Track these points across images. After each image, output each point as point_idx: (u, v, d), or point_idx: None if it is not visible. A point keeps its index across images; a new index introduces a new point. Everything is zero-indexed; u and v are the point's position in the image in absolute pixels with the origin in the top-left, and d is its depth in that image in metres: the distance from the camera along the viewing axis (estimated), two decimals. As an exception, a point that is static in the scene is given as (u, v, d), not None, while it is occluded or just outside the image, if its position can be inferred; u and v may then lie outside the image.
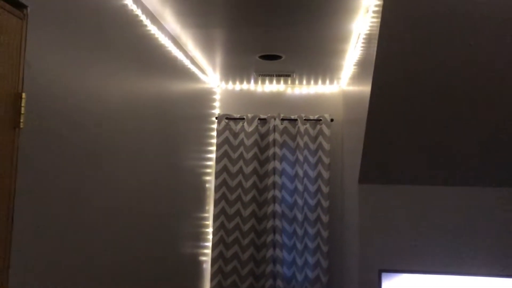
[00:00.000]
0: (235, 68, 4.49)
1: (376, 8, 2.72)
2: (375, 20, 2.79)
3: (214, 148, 4.87)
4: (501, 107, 2.96)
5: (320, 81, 4.83)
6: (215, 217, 4.75)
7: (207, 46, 3.86)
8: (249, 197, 4.73)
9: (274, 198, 4.67)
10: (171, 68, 3.58)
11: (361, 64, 3.40)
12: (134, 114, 2.83)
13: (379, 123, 2.99)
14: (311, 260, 4.62)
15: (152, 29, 3.12)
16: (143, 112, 2.98)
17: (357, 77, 3.73)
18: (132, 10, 2.80)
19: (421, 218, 3.37)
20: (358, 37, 3.42)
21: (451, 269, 3.22)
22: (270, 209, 4.67)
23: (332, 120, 4.79)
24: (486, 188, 3.38)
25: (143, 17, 2.95)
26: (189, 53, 3.98)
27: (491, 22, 2.54)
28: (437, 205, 3.39)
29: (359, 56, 3.53)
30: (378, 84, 2.80)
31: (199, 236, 4.58)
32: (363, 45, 3.30)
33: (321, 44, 3.69)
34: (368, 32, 3.04)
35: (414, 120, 3.00)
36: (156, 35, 3.21)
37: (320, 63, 4.23)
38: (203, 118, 4.67)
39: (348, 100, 4.38)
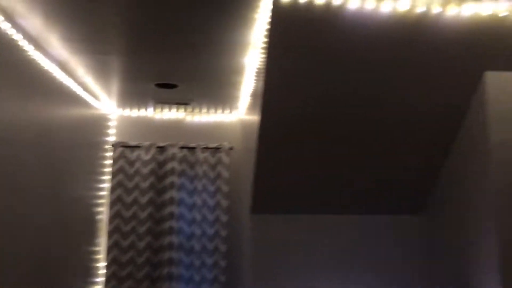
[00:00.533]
0: (131, 95, 4.36)
1: (264, 44, 2.82)
2: (263, 55, 2.89)
3: (108, 177, 4.65)
4: (383, 137, 3.18)
5: (219, 110, 4.86)
6: (108, 250, 4.50)
7: (100, 73, 3.71)
8: (144, 228, 4.55)
9: (171, 229, 4.54)
10: (57, 94, 3.38)
11: (254, 95, 3.48)
12: (10, 142, 2.61)
13: (269, 153, 3.06)
14: (209, 291, 4.53)
15: (35, 54, 2.93)
16: (21, 139, 2.76)
17: (251, 108, 3.81)
18: (10, 35, 2.62)
19: (312, 247, 3.47)
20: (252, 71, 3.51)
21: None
22: (166, 240, 4.53)
23: (231, 148, 4.82)
24: (370, 216, 3.58)
25: (24, 42, 2.77)
26: (79, 79, 3.79)
27: (367, 59, 2.74)
28: (326, 234, 3.52)
29: (252, 88, 3.62)
30: (267, 115, 2.88)
31: (89, 271, 4.29)
32: (255, 77, 3.39)
33: (216, 75, 3.73)
34: (258, 66, 3.13)
35: (302, 151, 3.12)
36: (39, 61, 3.01)
37: (218, 93, 4.27)
38: (96, 145, 4.45)
39: (245, 129, 4.46)
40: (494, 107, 2.91)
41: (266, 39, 2.69)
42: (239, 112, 4.89)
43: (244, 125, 4.56)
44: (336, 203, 3.37)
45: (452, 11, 2.62)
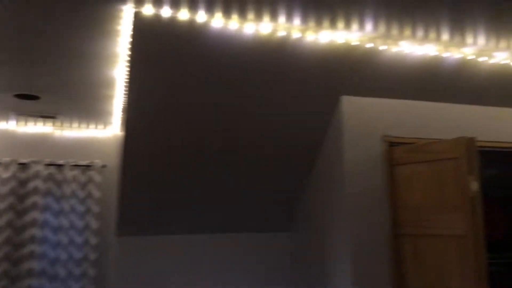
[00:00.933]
0: (-11, 106, 3.94)
1: (128, 58, 2.72)
2: (128, 68, 2.79)
3: (-43, 197, 4.12)
4: (249, 157, 3.23)
5: (91, 125, 4.60)
6: (-46, 281, 3.95)
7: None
8: (1, 253, 4.09)
9: (32, 253, 4.14)
10: None
11: (123, 110, 3.34)
12: None
13: (134, 172, 2.94)
14: (74, 320, 4.19)
15: None
16: None
17: (122, 123, 3.66)
18: None
19: (177, 268, 3.38)
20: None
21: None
22: (26, 266, 4.11)
23: (104, 166, 4.57)
24: (240, 234, 3.61)
25: None
26: None
27: (229, 78, 2.77)
28: (196, 254, 3.46)
29: (122, 102, 3.48)
30: (131, 131, 2.76)
31: None
32: (124, 92, 3.26)
33: (83, 88, 3.52)
34: (125, 79, 3.02)
35: (169, 170, 3.04)
36: None
37: (88, 107, 4.03)
38: None
39: (118, 145, 4.26)
40: (348, 129, 3.12)
41: (129, 52, 2.60)
42: (113, 127, 4.68)
43: (118, 142, 4.36)
44: (205, 223, 3.33)
45: (310, 38, 2.77)
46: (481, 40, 2.95)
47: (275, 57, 2.81)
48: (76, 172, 4.46)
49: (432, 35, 2.86)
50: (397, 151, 3.19)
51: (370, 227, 3.07)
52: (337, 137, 3.18)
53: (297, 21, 2.61)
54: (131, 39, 2.52)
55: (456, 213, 2.84)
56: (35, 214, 4.22)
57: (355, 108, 3.16)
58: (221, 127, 2.95)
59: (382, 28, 2.73)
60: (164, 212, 3.15)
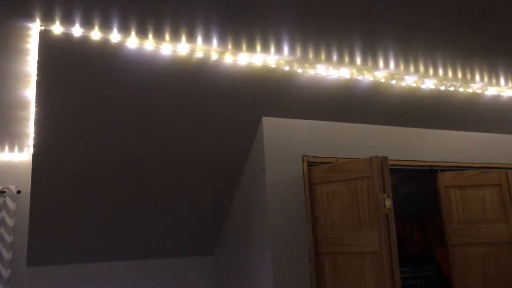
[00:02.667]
0: None
1: (36, 77, 2.60)
2: (36, 88, 2.66)
3: None
4: (169, 182, 3.16)
5: (6, 148, 4.32)
6: None
7: None
8: None
9: None
10: None
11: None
12: None
13: (44, 198, 2.77)
14: None
15: None
16: None
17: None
18: None
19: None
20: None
21: None
22: None
23: (19, 192, 4.29)
24: (155, 260, 3.49)
25: None
26: None
27: (144, 99, 2.72)
28: (108, 282, 3.30)
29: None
30: (39, 155, 2.61)
31: None
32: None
33: (-4, 109, 3.31)
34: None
35: (78, 196, 2.90)
36: None
37: (1, 129, 3.79)
38: None
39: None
40: (270, 149, 3.17)
41: (37, 72, 2.49)
42: (30, 151, 4.42)
43: (33, 166, 4.12)
44: (121, 249, 3.20)
45: (229, 60, 2.80)
46: (392, 64, 3.13)
47: (194, 78, 2.80)
48: (-14, 198, 4.15)
49: (346, 59, 3.00)
50: (316, 171, 3.27)
51: (291, 246, 3.10)
52: (258, 157, 3.21)
53: (215, 43, 2.64)
54: (38, 58, 2.41)
55: (371, 230, 2.94)
56: None
57: (276, 129, 3.22)
58: (135, 149, 2.87)
59: (298, 51, 2.82)
60: (77, 239, 2.98)
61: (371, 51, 2.92)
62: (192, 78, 2.77)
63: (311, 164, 3.31)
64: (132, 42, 2.51)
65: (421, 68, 3.23)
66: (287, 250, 3.07)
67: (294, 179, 3.19)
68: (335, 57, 2.97)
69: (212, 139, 3.18)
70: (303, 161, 3.28)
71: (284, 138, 3.23)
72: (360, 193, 3.01)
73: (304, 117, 3.34)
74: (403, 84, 3.40)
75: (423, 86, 3.45)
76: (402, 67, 3.20)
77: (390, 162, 3.09)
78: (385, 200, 2.91)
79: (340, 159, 3.32)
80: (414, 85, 3.43)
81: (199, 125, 3.05)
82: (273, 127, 3.21)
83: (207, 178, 3.39)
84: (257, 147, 3.26)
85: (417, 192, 4.34)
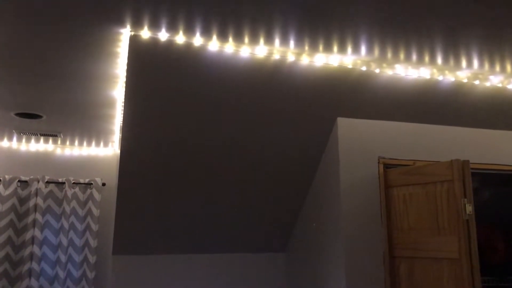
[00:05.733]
0: (-8, 124, 4.01)
1: (124, 79, 2.78)
2: (124, 89, 2.84)
3: (-43, 214, 4.16)
4: (245, 179, 3.25)
5: (93, 144, 4.65)
6: (-49, 298, 3.97)
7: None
8: (-2, 271, 4.11)
9: (30, 272, 4.15)
10: None
11: (121, 130, 3.40)
12: None
13: (130, 191, 2.96)
14: None
15: None
16: None
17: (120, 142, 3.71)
18: None
19: (172, 286, 3.38)
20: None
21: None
22: (24, 284, 4.12)
23: (104, 184, 4.61)
24: (235, 254, 3.61)
25: None
26: None
27: (225, 101, 2.81)
28: (186, 274, 3.45)
29: (121, 122, 3.53)
30: (126, 151, 2.80)
31: None
32: (122, 111, 3.32)
33: (85, 108, 3.58)
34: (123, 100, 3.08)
35: (162, 190, 3.06)
36: None
37: (90, 126, 4.08)
38: None
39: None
40: (344, 150, 3.15)
41: (125, 74, 2.66)
42: (114, 146, 4.73)
43: (117, 161, 4.40)
44: (201, 243, 3.34)
45: (305, 61, 2.82)
46: (476, 63, 2.99)
47: (271, 80, 2.86)
48: (76, 189, 4.50)
49: (427, 58, 2.90)
50: (392, 173, 3.20)
51: (365, 248, 3.07)
52: (333, 159, 3.20)
53: (292, 44, 2.67)
54: (128, 61, 2.58)
55: (450, 235, 2.83)
56: (34, 232, 4.24)
57: (351, 130, 3.19)
58: (216, 148, 2.98)
59: (376, 51, 2.78)
60: (160, 232, 3.16)
61: (453, 50, 2.80)
62: (268, 80, 2.83)
63: (387, 166, 3.25)
64: (213, 45, 2.61)
65: (508, 68, 3.05)
66: (360, 253, 3.05)
67: (369, 181, 3.15)
68: (414, 57, 2.88)
69: (287, 139, 3.22)
70: (379, 163, 3.23)
71: (360, 139, 3.20)
72: (439, 197, 2.91)
73: (381, 118, 3.29)
74: (488, 84, 3.24)
75: (510, 86, 3.26)
76: (486, 66, 3.04)
77: (471, 166, 2.95)
78: (466, 205, 2.80)
79: (418, 161, 3.23)
80: (499, 85, 3.25)
81: (275, 126, 3.10)
82: (348, 128, 3.19)
83: (281, 177, 3.43)
84: (331, 148, 3.25)
85: (500, 197, 4.10)
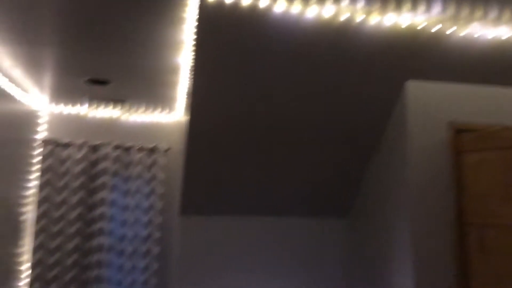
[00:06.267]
0: (64, 91, 4.21)
1: (193, 43, 2.80)
2: (193, 54, 2.87)
3: (36, 175, 4.46)
4: (309, 142, 3.23)
5: (157, 110, 4.78)
6: (34, 251, 4.30)
7: (30, 65, 3.56)
8: (73, 229, 4.40)
9: (101, 230, 4.41)
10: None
11: (187, 95, 3.46)
12: None
13: (197, 154, 3.04)
14: (139, 294, 4.44)
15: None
16: None
17: (186, 108, 3.78)
18: None
19: (234, 248, 3.48)
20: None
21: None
22: (96, 242, 4.39)
23: (168, 149, 4.76)
24: (296, 218, 3.64)
25: None
26: (6, 72, 3.62)
27: (291, 61, 2.78)
28: (250, 235, 3.53)
29: (187, 88, 3.59)
30: (195, 115, 2.86)
31: (10, 274, 4.08)
32: (188, 77, 3.37)
33: (150, 73, 3.66)
34: (191, 65, 3.11)
35: (230, 152, 3.12)
36: (-45, 49, 2.85)
37: (154, 92, 4.19)
38: (23, 143, 4.26)
39: (182, 130, 4.42)
40: (413, 115, 3.04)
41: (194, 39, 2.68)
42: (177, 112, 4.84)
43: (182, 126, 4.51)
44: (263, 205, 3.39)
45: (374, 20, 2.71)
46: (562, 20, 2.75)
47: (337, 41, 2.78)
48: (142, 154, 4.68)
49: (507, 15, 2.71)
50: (464, 138, 3.06)
51: (432, 215, 2.99)
52: (401, 123, 3.10)
53: (361, 3, 2.57)
54: (196, 26, 2.59)
55: (527, 203, 2.70)
56: (104, 194, 4.48)
57: (421, 94, 3.07)
58: (283, 111, 2.98)
59: (451, 9, 2.62)
60: (225, 194, 3.25)
61: (537, 5, 2.59)
62: (335, 41, 2.75)
63: (458, 131, 3.11)
64: (279, 6, 2.57)
65: None
66: (427, 221, 2.98)
67: (438, 146, 3.04)
68: (493, 14, 2.70)
69: (353, 103, 3.15)
70: (449, 127, 3.10)
71: (429, 103, 3.07)
72: (516, 163, 2.77)
73: (452, 81, 3.13)
74: None
75: None
76: None
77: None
78: (546, 172, 2.64)
79: (491, 126, 3.06)
80: None
81: (341, 87, 3.04)
82: (418, 92, 3.07)
83: (346, 142, 3.39)
84: (399, 112, 3.15)
85: None
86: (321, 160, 3.50)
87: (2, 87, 3.61)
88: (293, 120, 3.09)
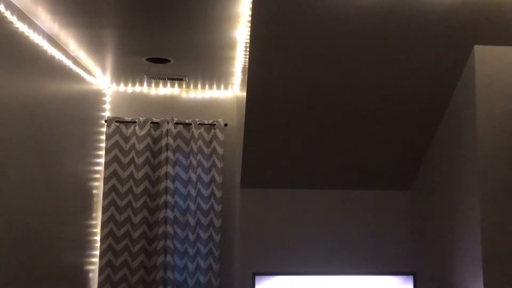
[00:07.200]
0: (125, 70, 4.36)
1: (249, 17, 2.79)
2: (249, 28, 2.86)
3: (103, 152, 4.69)
4: (371, 112, 3.16)
5: (214, 86, 4.85)
6: (103, 224, 4.57)
7: (93, 47, 3.72)
8: (139, 203, 4.61)
9: (166, 204, 4.60)
10: (47, 68, 3.38)
11: (244, 71, 3.47)
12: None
13: (255, 129, 3.07)
14: (203, 264, 4.61)
15: (21, 27, 2.93)
16: (9, 114, 2.79)
17: (242, 84, 3.80)
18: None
19: (296, 221, 3.51)
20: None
21: (324, 269, 3.38)
22: (161, 215, 4.59)
23: (226, 125, 4.83)
24: (358, 190, 3.61)
25: (7, 14, 2.77)
26: (71, 53, 3.80)
27: (353, 31, 2.70)
28: (311, 207, 3.55)
29: (243, 63, 3.60)
30: (252, 90, 2.87)
31: (85, 245, 4.37)
32: (244, 52, 3.37)
33: (209, 50, 3.71)
34: (246, 40, 3.11)
35: (288, 126, 3.11)
36: (27, 33, 3.02)
37: (212, 68, 4.25)
38: (90, 121, 4.48)
39: (239, 105, 4.46)
40: (482, 82, 2.88)
41: (250, 12, 2.66)
42: (234, 88, 4.88)
43: (238, 102, 4.55)
44: (323, 177, 3.39)
45: (440, -17, 2.57)
46: None
47: (401, 4, 2.66)
48: (201, 130, 4.79)
49: None
50: (539, 106, 2.87)
51: (504, 190, 2.85)
52: (468, 91, 2.95)
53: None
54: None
55: None
56: (167, 168, 4.64)
57: (490, 59, 2.89)
58: (344, 81, 2.92)
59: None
60: (283, 167, 3.28)
61: None
62: (399, 4, 2.63)
63: (532, 98, 2.91)
64: (338, -26, 2.49)
65: None
66: (498, 194, 2.84)
67: (510, 115, 2.87)
68: None
69: (417, 67, 3.03)
70: (523, 95, 2.92)
71: (501, 69, 2.89)
72: None
73: (525, 44, 2.92)
74: None
75: None
76: None
77: None
78: None
79: None
80: None
81: (405, 53, 2.92)
82: (487, 56, 2.89)
83: (410, 111, 3.28)
84: (466, 79, 3.00)
85: None
86: (386, 132, 3.41)
87: (70, 67, 3.79)
88: (356, 93, 3.02)
